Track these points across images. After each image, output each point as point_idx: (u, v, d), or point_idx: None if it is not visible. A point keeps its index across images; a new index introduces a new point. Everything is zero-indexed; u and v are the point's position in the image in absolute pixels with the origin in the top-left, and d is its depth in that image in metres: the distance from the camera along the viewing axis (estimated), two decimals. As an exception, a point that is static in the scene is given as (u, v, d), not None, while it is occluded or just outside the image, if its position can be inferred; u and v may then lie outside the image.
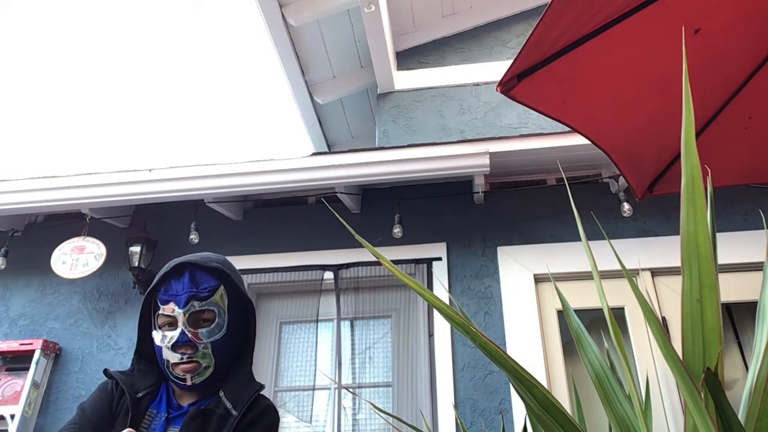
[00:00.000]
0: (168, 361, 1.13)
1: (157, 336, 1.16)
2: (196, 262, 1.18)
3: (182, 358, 1.12)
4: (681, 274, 0.81)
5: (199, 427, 1.09)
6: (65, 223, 3.21)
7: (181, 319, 1.13)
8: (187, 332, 1.13)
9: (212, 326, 1.16)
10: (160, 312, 1.16)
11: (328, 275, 2.92)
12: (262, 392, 1.21)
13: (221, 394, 1.16)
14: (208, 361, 1.14)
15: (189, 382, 1.13)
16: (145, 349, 1.23)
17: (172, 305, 1.14)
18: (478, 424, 2.49)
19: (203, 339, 1.14)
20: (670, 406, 2.39)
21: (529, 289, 2.71)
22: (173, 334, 1.13)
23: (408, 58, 3.98)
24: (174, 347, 1.12)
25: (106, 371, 1.19)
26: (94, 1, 13.00)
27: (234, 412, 1.12)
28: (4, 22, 12.28)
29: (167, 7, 13.68)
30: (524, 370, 0.97)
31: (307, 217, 3.15)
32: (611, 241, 2.74)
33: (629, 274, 1.00)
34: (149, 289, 1.20)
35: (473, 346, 2.65)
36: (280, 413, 1.24)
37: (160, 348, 1.15)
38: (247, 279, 2.94)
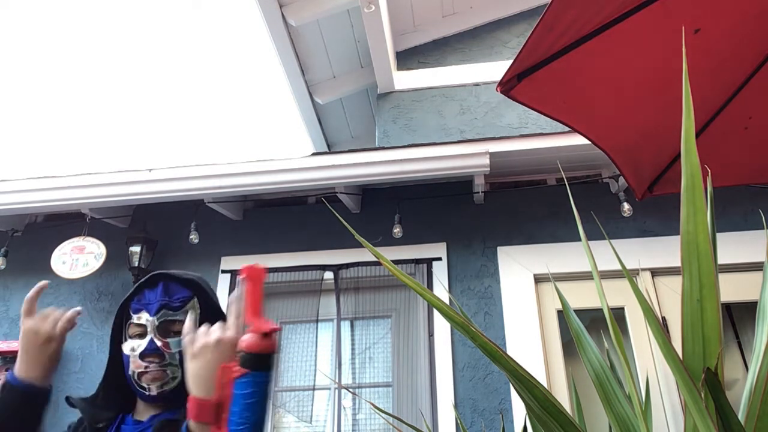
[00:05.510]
0: (134, 372, 1.11)
1: (126, 346, 1.14)
2: (171, 274, 1.19)
3: (148, 367, 1.10)
4: (681, 274, 0.81)
5: None
6: (65, 223, 3.21)
7: (151, 328, 1.12)
8: (156, 340, 1.11)
9: (182, 337, 1.12)
10: (132, 321, 1.14)
11: (328, 275, 2.91)
12: None
13: None
14: (175, 372, 1.12)
15: (154, 392, 1.10)
16: (114, 371, 1.19)
17: (143, 313, 1.14)
18: (478, 424, 2.49)
19: (172, 349, 1.12)
20: (670, 406, 2.39)
21: (529, 289, 2.71)
22: (142, 343, 1.11)
23: (408, 58, 3.98)
24: (142, 356, 1.10)
25: (68, 399, 1.15)
26: (94, 1, 13.00)
27: None
28: (4, 22, 12.28)
29: (167, 7, 13.68)
30: (524, 370, 0.97)
31: (307, 217, 3.15)
32: (611, 241, 2.74)
33: (629, 274, 1.00)
34: (123, 299, 1.19)
35: (473, 346, 2.65)
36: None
37: (128, 357, 1.12)
38: (247, 279, 2.94)
